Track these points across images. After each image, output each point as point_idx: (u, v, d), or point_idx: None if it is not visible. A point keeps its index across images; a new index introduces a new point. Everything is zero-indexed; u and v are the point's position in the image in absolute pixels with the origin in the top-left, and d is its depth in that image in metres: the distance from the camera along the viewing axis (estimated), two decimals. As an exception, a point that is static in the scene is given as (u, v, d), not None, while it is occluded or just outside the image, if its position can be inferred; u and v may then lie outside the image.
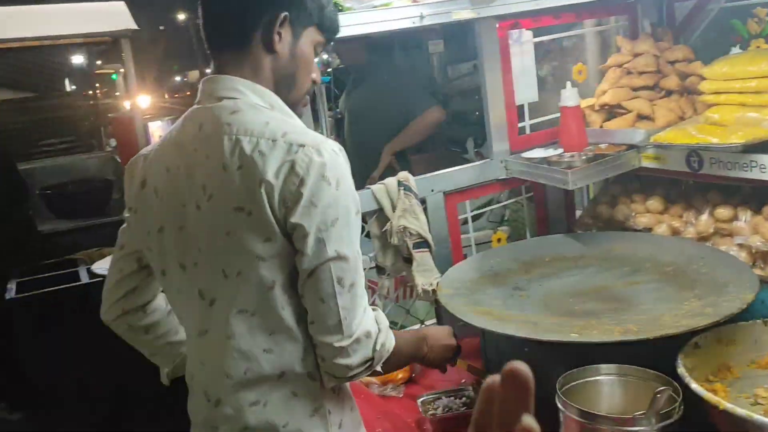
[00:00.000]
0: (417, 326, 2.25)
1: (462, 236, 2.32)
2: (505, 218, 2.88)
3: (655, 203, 2.08)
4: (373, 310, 1.26)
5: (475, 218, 3.54)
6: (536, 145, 2.21)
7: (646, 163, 2.01)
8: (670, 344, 1.43)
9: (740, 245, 1.81)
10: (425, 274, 2.02)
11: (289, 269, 1.19)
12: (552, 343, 1.48)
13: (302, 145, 1.17)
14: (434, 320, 2.22)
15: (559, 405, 1.30)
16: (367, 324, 1.21)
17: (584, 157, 2.01)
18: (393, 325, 2.24)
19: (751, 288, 1.54)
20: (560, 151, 2.11)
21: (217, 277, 1.22)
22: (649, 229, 2.05)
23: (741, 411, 1.17)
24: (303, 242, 1.16)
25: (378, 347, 1.21)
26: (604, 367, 1.39)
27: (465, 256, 2.28)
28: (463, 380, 1.94)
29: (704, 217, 1.92)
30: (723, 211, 1.88)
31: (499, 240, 2.29)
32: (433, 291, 1.92)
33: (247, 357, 1.21)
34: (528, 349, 1.68)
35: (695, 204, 1.99)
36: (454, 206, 2.18)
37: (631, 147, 2.02)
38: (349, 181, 1.20)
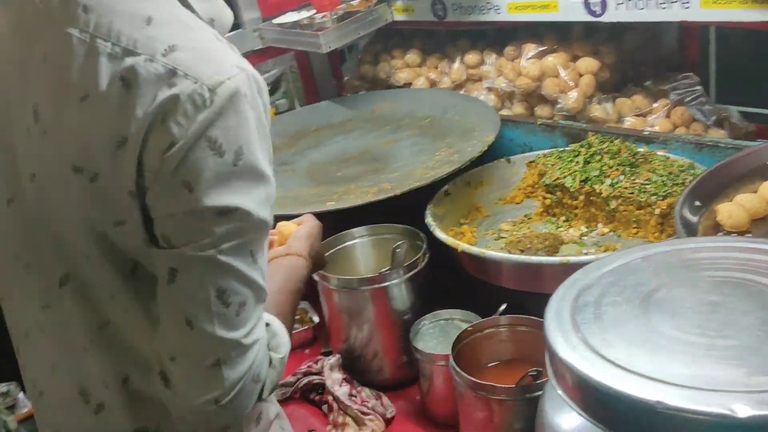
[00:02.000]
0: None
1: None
2: (283, 91, 2.77)
3: (412, 57, 2.07)
4: (267, 325, 0.83)
5: (271, 92, 3.38)
6: (289, 9, 2.07)
7: (398, 17, 1.96)
8: (425, 197, 1.46)
9: (489, 89, 1.86)
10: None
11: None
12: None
13: (193, 79, 0.70)
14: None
15: (316, 278, 1.29)
16: (257, 362, 0.78)
17: (335, 17, 1.92)
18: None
19: (494, 129, 1.60)
20: (313, 12, 2.00)
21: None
22: (409, 84, 2.05)
23: (475, 249, 1.22)
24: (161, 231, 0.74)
25: (267, 392, 0.81)
26: (356, 230, 1.40)
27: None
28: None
29: (456, 65, 1.94)
30: (471, 57, 1.90)
31: (267, 115, 2.19)
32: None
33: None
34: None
35: (448, 53, 2.01)
36: (211, 85, 2.02)
37: (381, 1, 1.96)
38: (254, 147, 0.73)
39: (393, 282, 1.23)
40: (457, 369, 1.02)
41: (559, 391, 0.72)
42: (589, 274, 0.85)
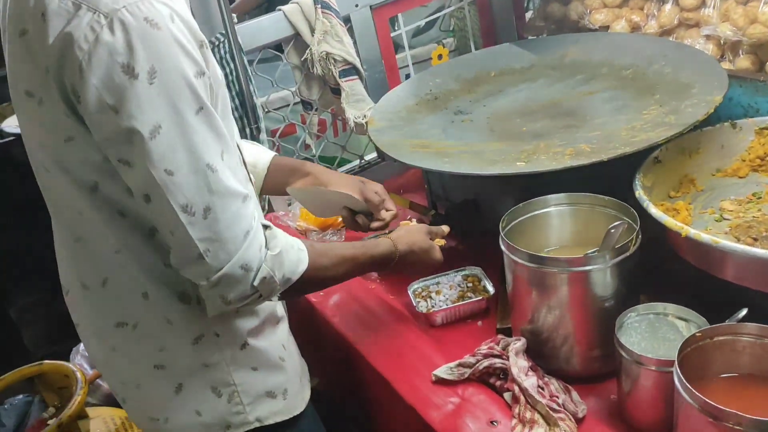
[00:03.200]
0: (356, 162, 2.06)
1: (399, 55, 2.05)
2: (451, 28, 2.58)
3: (612, -5, 1.81)
4: (267, 228, 0.94)
5: (424, 30, 3.21)
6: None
7: (601, -53, 1.71)
8: (628, 161, 1.26)
9: (708, 37, 1.58)
10: (357, 105, 1.79)
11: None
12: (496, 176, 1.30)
13: (92, 10, 0.79)
14: (375, 154, 2.03)
15: (503, 247, 1.15)
16: (246, 255, 0.89)
17: (529, -53, 1.70)
18: (329, 162, 2.06)
19: (719, 87, 1.34)
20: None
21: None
22: (606, 27, 1.80)
23: (705, 237, 1.02)
24: (114, 156, 0.86)
25: (258, 281, 0.91)
26: (552, 197, 1.22)
27: (407, 78, 2.03)
28: (409, 217, 1.79)
29: (668, 6, 1.67)
30: (689, -2, 1.62)
31: (440, 56, 2.03)
32: (367, 123, 1.70)
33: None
34: (473, 183, 1.51)
35: (658, -8, 1.73)
36: (385, 21, 1.89)
37: (583, -71, 1.71)
38: (173, 62, 0.81)
39: (598, 267, 1.06)
40: (688, 386, 0.85)
41: None
42: None
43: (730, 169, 1.35)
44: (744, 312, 0.95)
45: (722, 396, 0.89)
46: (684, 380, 0.86)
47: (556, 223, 1.24)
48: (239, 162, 0.94)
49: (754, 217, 1.21)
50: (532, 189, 1.27)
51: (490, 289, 1.37)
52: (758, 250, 0.96)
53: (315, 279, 1.03)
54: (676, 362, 0.89)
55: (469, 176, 1.35)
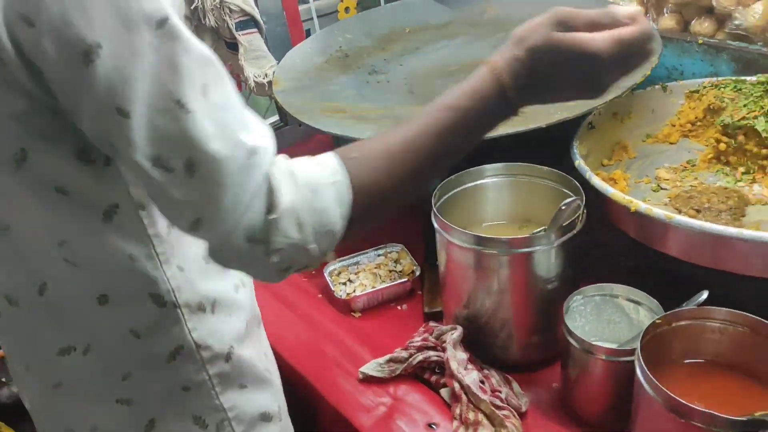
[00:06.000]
0: (257, 127, 1.86)
1: (301, 7, 1.85)
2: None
3: (531, -53, 1.69)
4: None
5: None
6: None
7: None
8: (559, 129, 1.16)
9: (631, -6, 1.51)
10: (257, 62, 1.59)
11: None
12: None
13: None
14: (276, 117, 1.84)
15: (436, 225, 1.02)
16: (281, 196, 0.62)
17: None
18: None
19: (654, 49, 1.26)
20: None
21: None
22: (524, -18, 1.69)
23: (658, 212, 0.93)
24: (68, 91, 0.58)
25: (308, 228, 0.63)
26: (488, 168, 1.11)
27: (308, 33, 1.84)
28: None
29: (590, -39, 1.57)
30: (613, -48, 1.54)
31: (347, 9, 1.85)
32: (269, 83, 1.52)
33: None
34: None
35: (578, -55, 1.63)
36: (286, -32, 1.68)
37: None
38: None
39: (542, 247, 0.95)
40: (656, 381, 0.76)
41: None
42: None
43: (661, 134, 1.29)
44: (705, 295, 0.87)
45: (677, 383, 0.81)
46: (653, 378, 0.77)
47: (493, 196, 1.12)
48: None
49: (692, 186, 1.15)
50: (465, 160, 1.15)
51: (415, 269, 1.25)
52: (716, 226, 0.88)
53: (377, 192, 0.69)
54: (638, 352, 0.80)
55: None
